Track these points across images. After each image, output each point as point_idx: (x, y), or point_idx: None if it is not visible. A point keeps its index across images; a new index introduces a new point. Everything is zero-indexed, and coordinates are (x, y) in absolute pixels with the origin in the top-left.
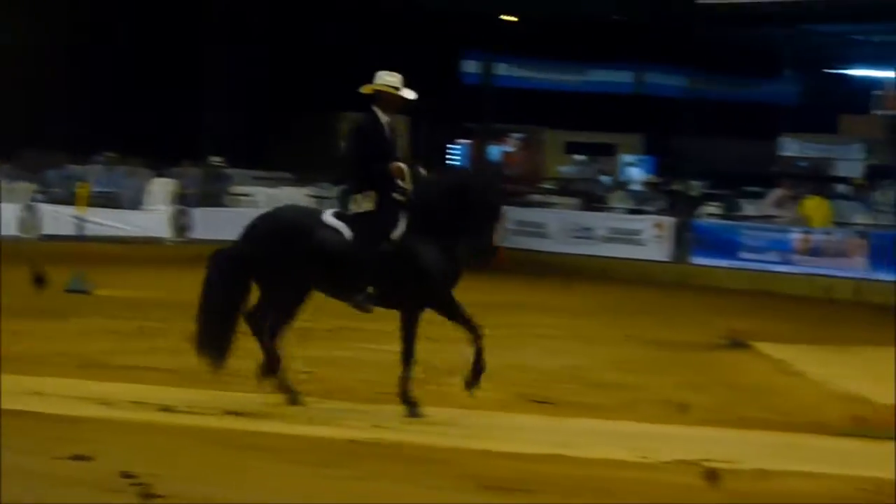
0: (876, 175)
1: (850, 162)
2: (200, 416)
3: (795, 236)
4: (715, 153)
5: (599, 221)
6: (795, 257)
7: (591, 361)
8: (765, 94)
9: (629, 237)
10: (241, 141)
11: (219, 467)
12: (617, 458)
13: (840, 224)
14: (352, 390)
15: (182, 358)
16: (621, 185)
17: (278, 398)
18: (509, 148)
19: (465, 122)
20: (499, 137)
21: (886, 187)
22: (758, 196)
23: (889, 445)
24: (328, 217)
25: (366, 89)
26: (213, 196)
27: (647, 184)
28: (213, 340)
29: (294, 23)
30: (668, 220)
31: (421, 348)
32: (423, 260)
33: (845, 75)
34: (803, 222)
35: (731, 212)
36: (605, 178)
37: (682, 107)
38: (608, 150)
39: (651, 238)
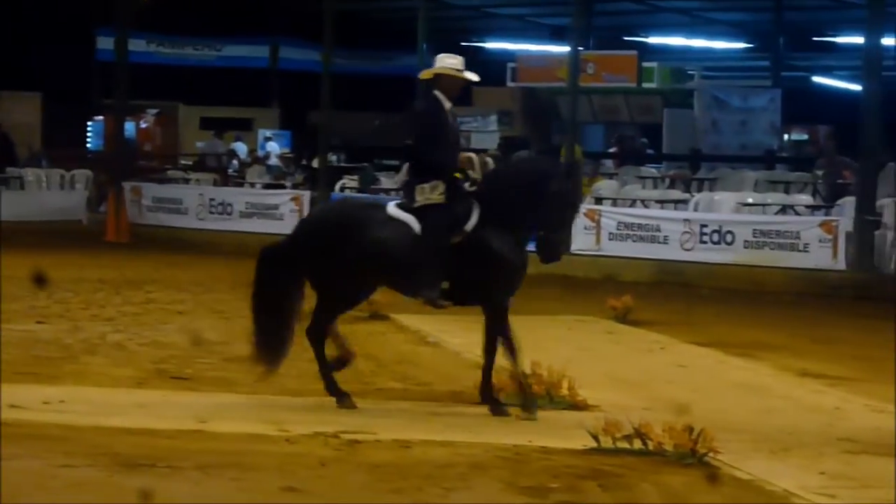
0: (510, 146)
1: (486, 133)
2: None
3: None
4: (351, 126)
5: (237, 196)
6: None
7: (228, 336)
8: (401, 67)
9: (267, 212)
10: None
11: None
12: (255, 431)
13: None
14: None
15: None
16: (259, 160)
17: None
18: (144, 124)
19: (101, 99)
20: (134, 114)
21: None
22: (395, 169)
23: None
24: (392, 209)
25: (426, 74)
26: None
27: (283, 158)
28: (269, 342)
29: None
30: (306, 194)
31: (58, 328)
32: (499, 252)
33: (480, 48)
34: None
35: (368, 185)
36: (242, 153)
37: (317, 80)
38: (245, 125)
39: (288, 212)
